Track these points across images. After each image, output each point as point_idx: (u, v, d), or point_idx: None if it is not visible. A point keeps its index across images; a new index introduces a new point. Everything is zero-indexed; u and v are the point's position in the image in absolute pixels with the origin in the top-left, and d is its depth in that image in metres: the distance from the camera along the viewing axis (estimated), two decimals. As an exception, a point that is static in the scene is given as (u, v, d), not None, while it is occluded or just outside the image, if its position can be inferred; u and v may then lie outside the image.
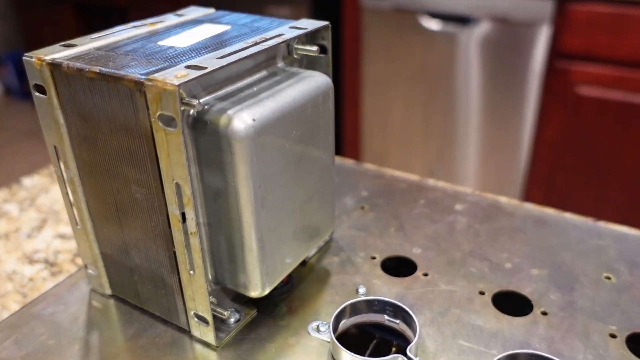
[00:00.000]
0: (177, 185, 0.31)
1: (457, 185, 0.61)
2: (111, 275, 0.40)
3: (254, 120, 0.31)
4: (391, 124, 1.92)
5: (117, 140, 0.33)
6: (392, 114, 1.91)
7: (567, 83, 1.58)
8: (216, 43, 0.35)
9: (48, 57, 0.33)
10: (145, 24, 0.40)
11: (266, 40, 0.35)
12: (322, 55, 0.40)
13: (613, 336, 0.36)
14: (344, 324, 0.38)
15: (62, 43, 0.36)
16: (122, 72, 0.30)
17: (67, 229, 0.66)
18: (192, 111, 0.32)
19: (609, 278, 0.41)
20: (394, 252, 0.45)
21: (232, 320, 0.38)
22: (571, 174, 1.66)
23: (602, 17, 1.47)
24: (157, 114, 0.30)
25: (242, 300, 0.39)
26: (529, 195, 1.73)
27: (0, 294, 0.56)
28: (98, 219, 0.38)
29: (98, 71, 0.31)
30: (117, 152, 0.34)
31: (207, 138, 0.32)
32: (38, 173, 0.79)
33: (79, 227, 0.39)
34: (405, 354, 0.34)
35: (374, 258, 0.44)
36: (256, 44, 0.35)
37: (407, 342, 0.36)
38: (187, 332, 0.38)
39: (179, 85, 0.28)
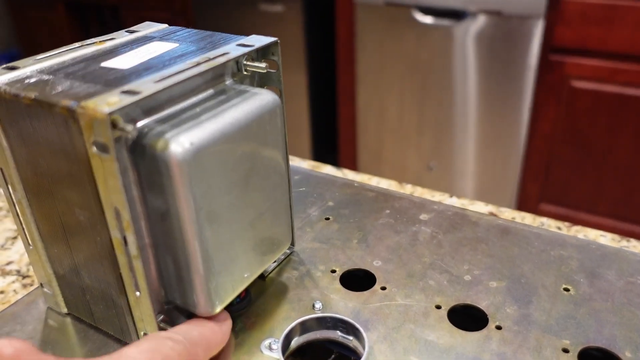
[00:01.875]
0: (116, 210, 0.31)
1: (433, 192, 0.61)
2: (65, 294, 0.40)
3: (191, 144, 0.31)
4: (386, 119, 1.91)
5: (57, 164, 0.33)
6: (387, 109, 1.90)
7: (561, 76, 1.57)
8: (159, 63, 0.35)
9: (-14, 82, 0.33)
10: (95, 42, 0.40)
11: (209, 60, 0.35)
12: (272, 71, 0.39)
13: (566, 351, 0.36)
14: (297, 341, 0.38)
15: (4, 65, 0.36)
16: (54, 99, 0.30)
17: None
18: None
19: (567, 290, 0.41)
20: (354, 265, 0.44)
21: (185, 338, 0.38)
22: (567, 167, 1.65)
23: (595, 9, 1.46)
24: (91, 140, 0.30)
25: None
26: (525, 188, 1.73)
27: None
28: (48, 239, 0.38)
29: (33, 97, 0.31)
30: (59, 175, 0.33)
31: (146, 161, 0.32)
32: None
33: (31, 247, 0.39)
34: (351, 374, 0.33)
35: (333, 271, 0.44)
36: (198, 64, 0.34)
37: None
38: (140, 351, 0.38)
39: (109, 113, 0.28)
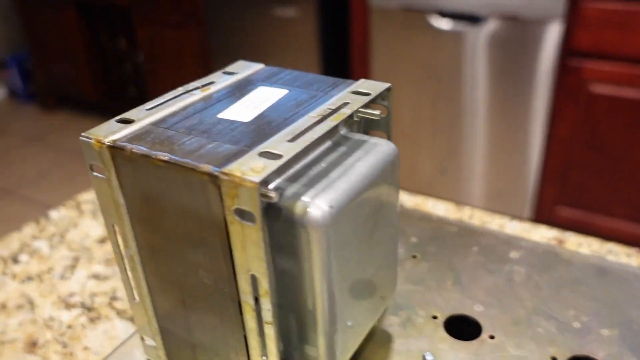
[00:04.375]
0: (253, 277, 0.30)
1: (506, 228, 0.60)
2: (170, 348, 0.39)
3: (331, 207, 0.30)
4: (400, 123, 1.90)
5: (185, 227, 0.31)
6: (400, 112, 1.89)
7: (579, 81, 1.56)
8: (278, 117, 0.34)
9: (108, 140, 0.32)
10: (198, 88, 0.38)
11: (332, 111, 0.33)
12: (382, 116, 0.38)
13: (697, 408, 0.35)
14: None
15: (116, 118, 0.34)
16: (193, 163, 0.29)
17: (100, 268, 0.64)
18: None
19: (682, 337, 0.40)
20: (455, 311, 0.43)
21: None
22: (585, 170, 1.64)
23: (614, 14, 1.45)
24: (233, 208, 0.28)
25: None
26: (543, 192, 1.72)
27: (40, 344, 0.55)
28: (159, 296, 0.36)
29: (167, 159, 0.30)
30: (184, 237, 0.32)
31: (280, 224, 0.30)
32: (64, 205, 0.78)
33: (136, 301, 0.38)
34: None
35: (435, 317, 0.43)
36: (323, 117, 0.33)
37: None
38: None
39: (259, 183, 0.27)
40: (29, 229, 0.73)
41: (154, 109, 0.35)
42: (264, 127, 0.32)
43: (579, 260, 0.48)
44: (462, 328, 0.42)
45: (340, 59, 2.04)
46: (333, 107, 0.34)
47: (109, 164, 0.32)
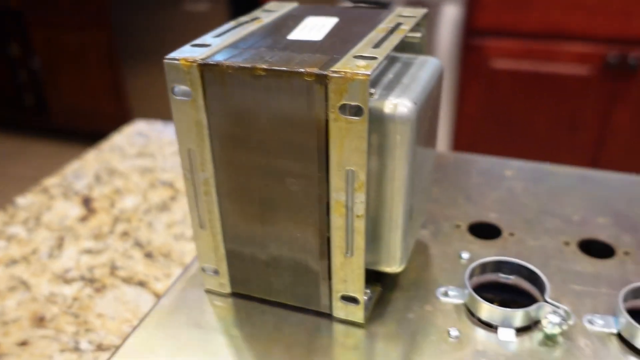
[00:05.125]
0: (351, 172, 0.33)
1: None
2: (235, 272, 0.40)
3: (415, 103, 0.34)
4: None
5: (277, 135, 0.34)
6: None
7: (481, 58, 1.71)
8: (348, 34, 0.37)
9: (198, 58, 0.33)
10: (249, 21, 0.40)
11: (393, 28, 0.37)
12: (420, 40, 0.42)
13: (686, 264, 0.43)
14: (472, 282, 0.41)
15: (191, 43, 0.35)
16: (297, 68, 0.31)
17: (91, 244, 0.63)
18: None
19: (659, 218, 0.48)
20: (474, 219, 0.49)
21: (366, 297, 0.40)
22: (491, 143, 1.80)
23: (509, -7, 1.60)
24: (339, 104, 0.31)
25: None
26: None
27: (48, 318, 0.53)
28: (232, 218, 0.38)
29: (268, 67, 0.32)
30: (274, 147, 0.34)
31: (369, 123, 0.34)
32: (30, 191, 0.74)
33: (204, 229, 0.39)
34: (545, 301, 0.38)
35: (458, 226, 0.48)
36: (388, 32, 0.36)
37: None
38: (324, 315, 0.39)
39: (370, 75, 0.30)
40: (-1, 215, 0.69)
41: (222, 34, 0.37)
42: (341, 41, 0.35)
43: (562, 172, 0.55)
44: (484, 231, 0.47)
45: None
46: (392, 25, 0.38)
47: (197, 83, 0.33)
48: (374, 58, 0.32)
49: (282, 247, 0.38)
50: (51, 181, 0.76)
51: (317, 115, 0.32)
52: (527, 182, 0.54)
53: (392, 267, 0.38)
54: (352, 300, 0.38)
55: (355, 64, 0.31)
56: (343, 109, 0.31)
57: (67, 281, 0.58)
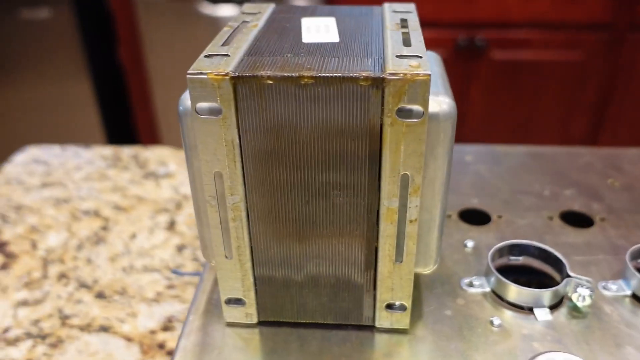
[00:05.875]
0: (406, 177, 0.31)
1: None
2: (264, 300, 0.37)
3: (452, 99, 0.33)
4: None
5: (320, 147, 0.31)
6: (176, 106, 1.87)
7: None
8: (363, 34, 0.35)
9: (230, 70, 0.29)
10: (244, 26, 0.37)
11: (404, 24, 0.36)
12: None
13: (651, 221, 0.48)
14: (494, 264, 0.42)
15: (205, 54, 0.31)
16: (349, 73, 0.29)
17: (24, 294, 0.54)
18: (403, 101, 0.32)
19: (613, 182, 0.53)
20: (461, 207, 0.50)
21: (402, 303, 0.39)
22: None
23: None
24: (397, 107, 0.29)
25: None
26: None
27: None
28: (264, 241, 0.35)
29: (315, 75, 0.29)
30: (317, 160, 0.32)
31: (409, 126, 0.32)
32: None
33: (229, 259, 0.35)
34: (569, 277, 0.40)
35: (449, 216, 0.49)
36: (402, 28, 0.35)
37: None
38: (365, 328, 0.38)
39: (430, 74, 0.29)
40: None
41: (232, 42, 0.33)
42: (364, 42, 0.34)
43: (513, 151, 0.58)
44: (474, 218, 0.49)
45: (111, 58, 1.91)
46: (398, 21, 0.37)
47: (229, 98, 0.30)
48: (419, 57, 0.31)
49: (322, 265, 0.35)
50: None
51: (371, 121, 0.30)
52: (488, 165, 0.56)
53: (428, 267, 0.38)
54: (399, 307, 0.36)
55: (408, 65, 0.30)
56: (401, 111, 0.30)
57: (11, 342, 0.49)
